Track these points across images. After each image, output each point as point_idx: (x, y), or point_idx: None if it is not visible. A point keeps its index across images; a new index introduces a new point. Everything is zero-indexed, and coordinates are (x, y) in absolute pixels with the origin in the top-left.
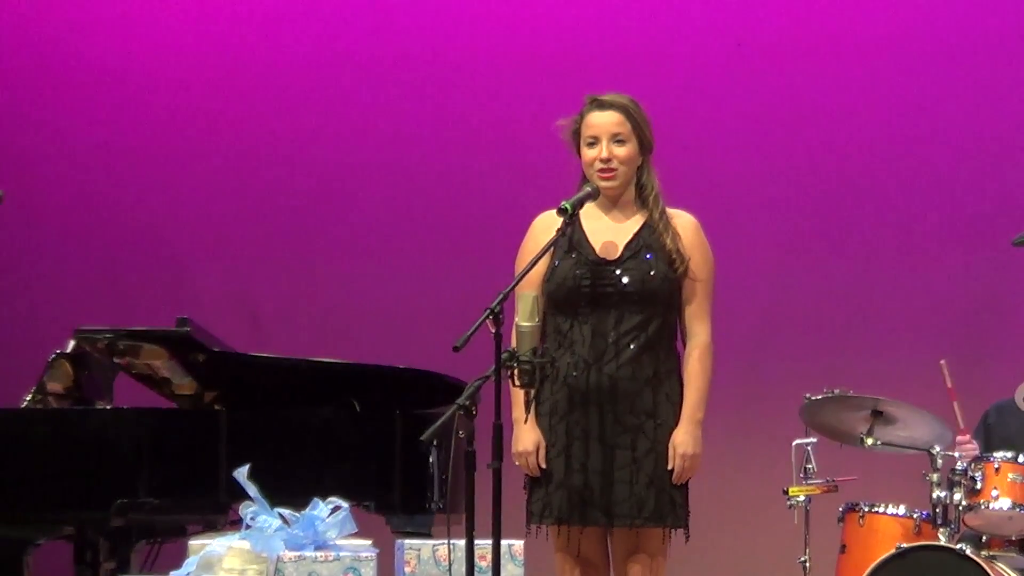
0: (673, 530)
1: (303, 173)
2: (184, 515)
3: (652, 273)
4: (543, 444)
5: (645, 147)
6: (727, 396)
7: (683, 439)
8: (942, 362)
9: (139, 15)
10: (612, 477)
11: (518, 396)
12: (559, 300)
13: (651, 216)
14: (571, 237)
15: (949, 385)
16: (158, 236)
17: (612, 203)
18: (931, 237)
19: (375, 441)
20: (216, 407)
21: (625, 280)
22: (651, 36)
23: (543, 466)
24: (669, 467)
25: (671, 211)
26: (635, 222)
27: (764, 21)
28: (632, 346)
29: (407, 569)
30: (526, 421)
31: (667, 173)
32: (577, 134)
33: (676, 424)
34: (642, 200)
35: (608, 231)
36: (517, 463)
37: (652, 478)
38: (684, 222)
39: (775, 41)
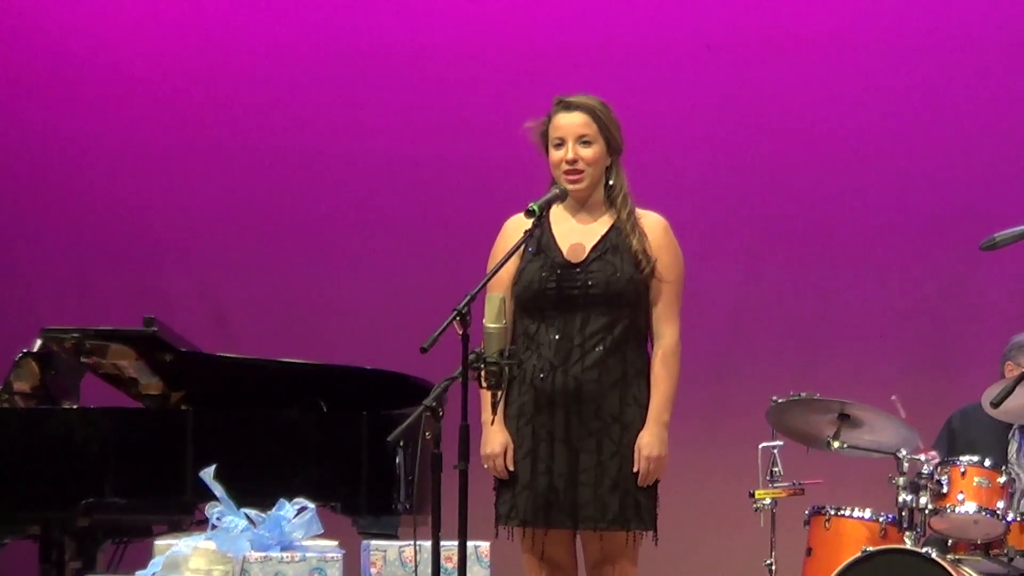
0: (643, 533)
1: (272, 173)
2: (150, 515)
3: (617, 275)
4: (511, 446)
5: (613, 148)
6: (694, 399)
7: (648, 441)
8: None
9: (108, 13)
10: (577, 480)
11: (487, 398)
12: (526, 302)
13: (619, 217)
14: (540, 239)
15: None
16: (126, 236)
17: (581, 205)
18: (898, 241)
19: (342, 442)
20: (183, 407)
21: (590, 282)
22: (622, 38)
23: (510, 468)
24: (635, 469)
25: (641, 212)
26: (603, 224)
27: (733, 24)
28: (598, 348)
29: (373, 570)
30: (492, 423)
31: (634, 174)
32: (545, 136)
33: (643, 427)
34: (611, 201)
35: (576, 233)
36: (485, 465)
37: (616, 481)
38: (652, 222)
39: (744, 44)
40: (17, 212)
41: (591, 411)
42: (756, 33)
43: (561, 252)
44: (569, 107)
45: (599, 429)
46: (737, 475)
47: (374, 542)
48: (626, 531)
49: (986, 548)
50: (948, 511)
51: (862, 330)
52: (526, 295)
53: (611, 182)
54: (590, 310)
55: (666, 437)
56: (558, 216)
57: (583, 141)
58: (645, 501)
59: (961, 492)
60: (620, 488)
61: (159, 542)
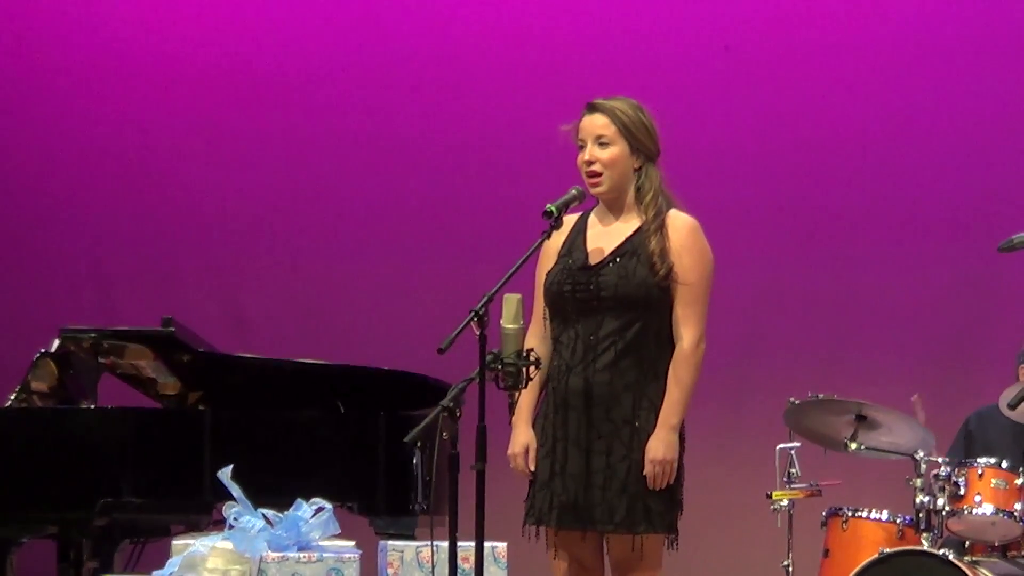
0: (664, 537)
1: (289, 174)
2: (168, 515)
3: (628, 278)
4: (533, 445)
5: (639, 150)
6: (711, 400)
7: (654, 444)
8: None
9: (127, 15)
10: (588, 482)
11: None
12: (549, 305)
13: (645, 219)
14: (574, 241)
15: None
16: (144, 236)
17: (612, 207)
18: (917, 242)
19: (359, 442)
20: (200, 407)
21: (601, 285)
22: (639, 40)
23: (531, 468)
24: (644, 473)
25: (674, 213)
26: (630, 226)
27: (751, 26)
28: (609, 351)
29: (390, 571)
30: (510, 423)
31: None
32: None
33: None
34: (640, 203)
35: (604, 236)
36: (511, 465)
37: (625, 484)
38: (678, 223)
39: (762, 46)
40: (35, 212)
41: (602, 413)
42: (774, 34)
43: (586, 255)
44: (592, 109)
45: (610, 432)
46: (754, 476)
47: (391, 542)
48: (633, 534)
49: (1003, 550)
50: (965, 513)
51: (880, 331)
52: (547, 297)
53: (639, 184)
54: (604, 313)
55: (674, 440)
56: (593, 219)
57: (601, 142)
58: (656, 505)
59: (978, 494)
60: (628, 492)
61: (176, 542)
